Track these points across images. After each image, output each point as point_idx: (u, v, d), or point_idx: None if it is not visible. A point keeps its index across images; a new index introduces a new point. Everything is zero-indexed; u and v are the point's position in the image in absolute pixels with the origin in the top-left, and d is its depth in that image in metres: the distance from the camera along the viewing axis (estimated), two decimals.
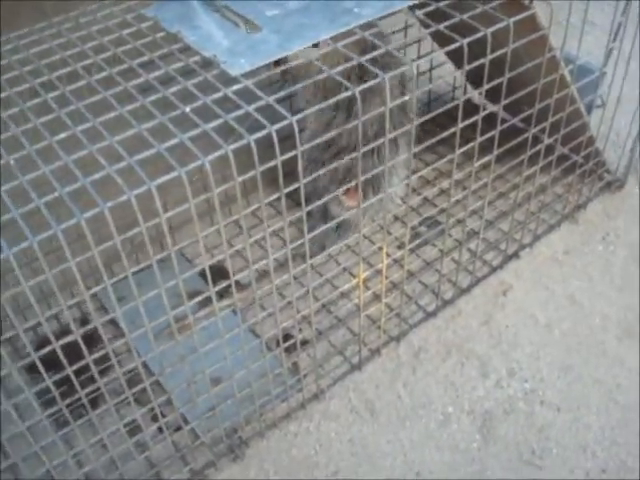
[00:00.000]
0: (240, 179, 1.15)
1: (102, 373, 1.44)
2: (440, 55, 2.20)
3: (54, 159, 1.10)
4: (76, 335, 1.17)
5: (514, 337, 1.81)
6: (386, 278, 1.67)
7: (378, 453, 1.60)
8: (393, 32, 2.11)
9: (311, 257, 1.39)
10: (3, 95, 1.26)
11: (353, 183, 1.48)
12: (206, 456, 1.58)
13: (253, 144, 1.11)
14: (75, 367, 1.22)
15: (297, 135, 1.16)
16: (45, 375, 1.20)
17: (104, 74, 1.29)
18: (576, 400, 1.68)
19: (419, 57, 2.21)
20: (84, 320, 1.85)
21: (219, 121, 1.15)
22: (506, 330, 1.83)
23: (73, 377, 1.22)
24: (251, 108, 1.16)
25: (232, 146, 1.10)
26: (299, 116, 1.17)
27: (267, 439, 1.63)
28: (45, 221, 1.01)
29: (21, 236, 1.00)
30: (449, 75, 2.42)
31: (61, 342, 1.16)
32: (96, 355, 1.24)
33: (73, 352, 1.20)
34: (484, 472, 1.56)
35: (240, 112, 1.16)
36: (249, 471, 1.58)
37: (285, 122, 1.14)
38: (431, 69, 2.32)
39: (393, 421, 1.65)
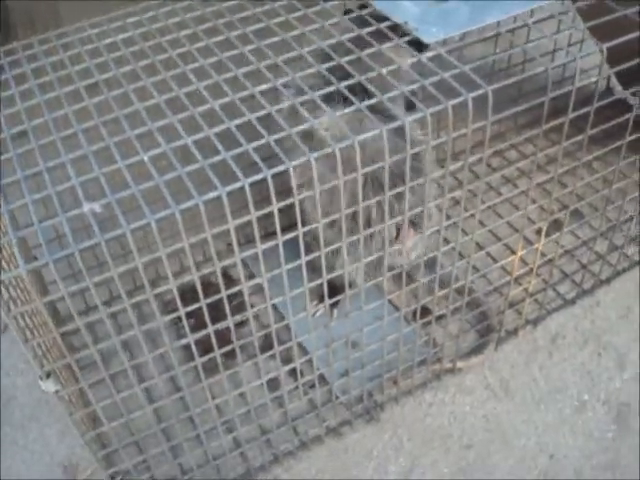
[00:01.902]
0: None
1: (241, 325, 1.50)
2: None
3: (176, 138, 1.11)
4: (223, 294, 1.19)
5: None
6: (536, 261, 1.67)
7: (512, 431, 1.61)
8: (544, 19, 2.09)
9: None
10: (106, 76, 1.25)
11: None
12: (343, 415, 1.62)
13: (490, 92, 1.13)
14: (219, 326, 1.25)
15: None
16: (188, 331, 1.22)
17: (296, 32, 1.32)
18: None
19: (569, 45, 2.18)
20: (225, 273, 1.90)
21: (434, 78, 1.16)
22: None
23: (213, 335, 1.25)
24: (447, 75, 1.18)
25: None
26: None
27: (402, 406, 1.66)
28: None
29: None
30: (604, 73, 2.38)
31: (208, 301, 1.19)
32: (239, 318, 1.28)
33: (213, 306, 1.21)
34: (618, 461, 1.56)
35: (436, 78, 1.18)
36: (383, 434, 1.61)
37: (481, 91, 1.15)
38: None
39: (528, 402, 1.66)
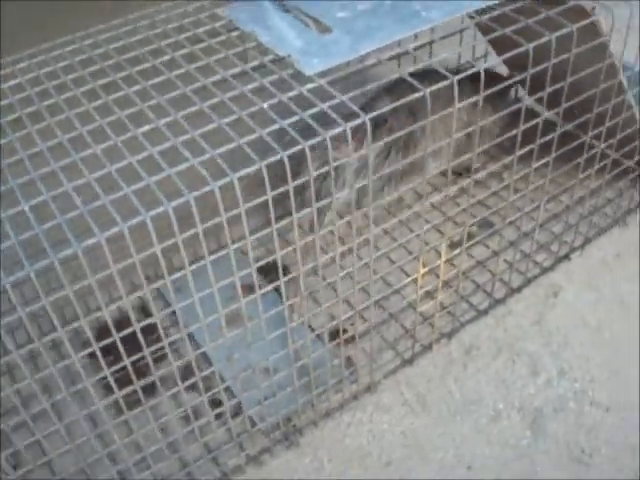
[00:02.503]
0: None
1: (160, 359, 1.50)
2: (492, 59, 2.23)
3: (140, 149, 1.16)
4: (136, 327, 1.21)
5: (564, 337, 1.84)
6: (442, 276, 1.71)
7: (429, 446, 1.64)
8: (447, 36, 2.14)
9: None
10: (88, 87, 1.32)
11: None
12: (262, 443, 1.63)
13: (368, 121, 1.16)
14: (135, 358, 1.27)
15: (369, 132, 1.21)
16: (105, 367, 1.23)
17: (182, 70, 1.35)
18: (625, 401, 1.70)
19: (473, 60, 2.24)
20: (144, 307, 1.91)
21: (294, 118, 1.20)
22: (556, 330, 1.86)
23: (130, 368, 1.26)
24: (326, 106, 1.21)
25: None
26: (371, 115, 1.21)
27: (321, 428, 1.67)
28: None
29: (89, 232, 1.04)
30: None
31: (120, 335, 1.21)
32: (154, 347, 1.29)
33: (132, 339, 1.23)
34: (534, 468, 1.60)
35: (315, 110, 1.21)
36: (304, 458, 1.63)
37: (359, 120, 1.18)
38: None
39: (444, 415, 1.69)
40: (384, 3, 1.48)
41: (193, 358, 1.33)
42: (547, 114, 1.62)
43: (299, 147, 1.14)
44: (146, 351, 1.27)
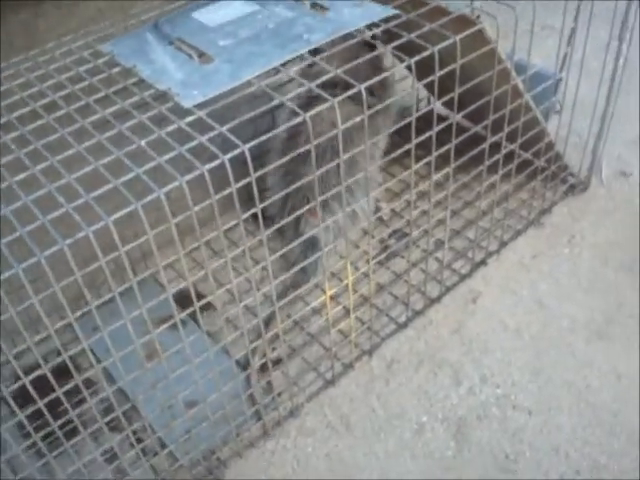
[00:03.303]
0: (198, 208, 1.18)
1: (81, 402, 1.47)
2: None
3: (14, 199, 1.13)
4: (44, 369, 1.19)
5: (485, 344, 1.85)
6: (355, 292, 1.70)
7: (355, 467, 1.63)
8: None
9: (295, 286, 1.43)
10: None
11: (313, 204, 1.51)
12: (186, 479, 1.61)
13: (227, 162, 1.16)
14: (47, 400, 1.25)
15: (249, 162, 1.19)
16: (18, 410, 1.22)
17: (62, 112, 1.32)
18: (547, 402, 1.71)
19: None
20: (59, 351, 1.87)
21: (174, 153, 1.18)
22: (477, 337, 1.86)
23: (45, 410, 1.25)
24: (204, 139, 1.20)
25: (207, 166, 1.15)
26: (252, 143, 1.20)
27: (245, 459, 1.65)
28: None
29: None
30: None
31: (30, 377, 1.19)
32: (66, 387, 1.26)
33: (50, 382, 1.23)
34: (460, 479, 1.59)
35: (194, 143, 1.20)
36: None
37: (238, 150, 1.17)
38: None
39: (368, 434, 1.68)
40: (267, 29, 1.47)
41: (109, 393, 1.31)
42: (451, 120, 1.63)
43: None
44: (59, 391, 1.25)
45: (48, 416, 1.27)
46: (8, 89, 1.42)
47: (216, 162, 1.16)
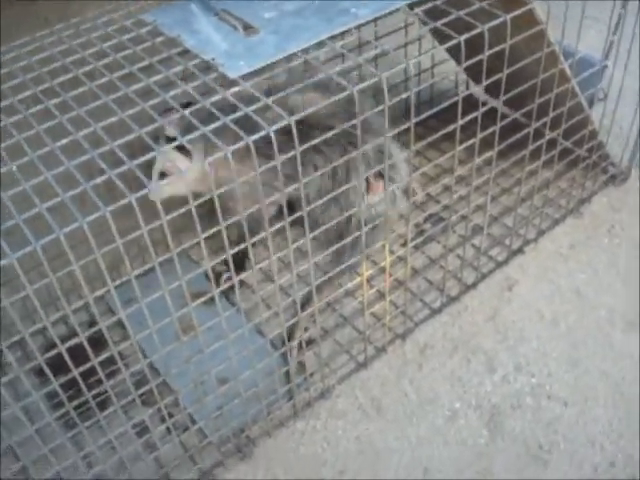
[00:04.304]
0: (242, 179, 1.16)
1: (111, 375, 1.47)
2: (442, 52, 2.20)
3: (56, 165, 1.12)
4: (82, 338, 1.18)
5: (520, 332, 1.82)
6: (390, 276, 1.68)
7: (385, 450, 1.61)
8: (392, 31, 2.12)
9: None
10: (5, 104, 1.28)
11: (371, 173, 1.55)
12: (214, 456, 1.60)
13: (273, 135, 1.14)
14: (81, 370, 1.24)
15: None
16: (52, 378, 1.21)
17: (105, 79, 1.31)
18: (583, 394, 1.68)
19: (419, 54, 2.21)
20: (92, 323, 1.87)
21: (219, 123, 1.17)
22: (512, 325, 1.83)
23: (80, 380, 1.24)
24: (250, 110, 1.18)
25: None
26: (297, 117, 1.18)
27: (274, 438, 1.64)
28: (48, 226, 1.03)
29: (26, 241, 1.01)
30: (452, 72, 2.42)
31: (66, 346, 1.18)
32: (102, 357, 1.25)
33: (82, 355, 1.22)
34: (492, 467, 1.57)
35: (239, 114, 1.18)
36: (257, 470, 1.59)
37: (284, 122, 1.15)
38: (433, 66, 2.32)
39: (400, 418, 1.66)
40: (313, 2, 1.45)
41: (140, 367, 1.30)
42: (491, 104, 1.59)
43: None
44: (94, 361, 1.24)
45: (83, 386, 1.26)
46: (50, 56, 1.41)
47: (262, 132, 1.14)
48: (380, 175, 1.66)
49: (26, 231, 1.03)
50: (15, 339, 1.19)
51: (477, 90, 2.17)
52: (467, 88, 2.44)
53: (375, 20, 1.51)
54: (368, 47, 1.97)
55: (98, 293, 1.19)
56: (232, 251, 1.26)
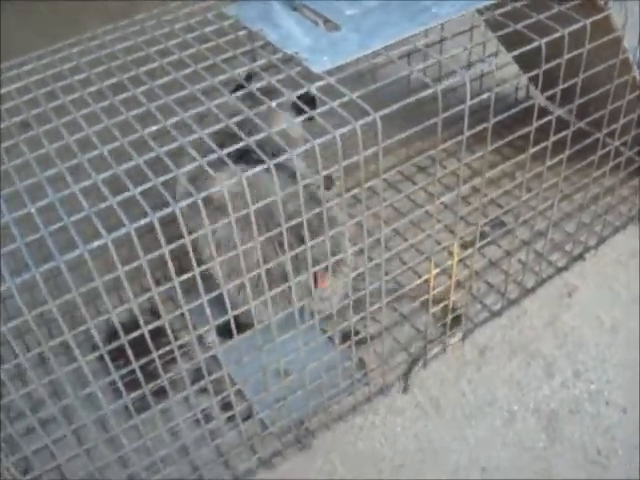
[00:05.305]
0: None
1: (171, 363, 1.49)
2: (505, 57, 2.21)
3: (147, 150, 1.14)
4: (144, 330, 1.20)
5: (579, 338, 1.81)
6: (454, 277, 1.68)
7: (443, 449, 1.62)
8: (458, 33, 2.12)
9: None
10: (95, 88, 1.31)
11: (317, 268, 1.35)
12: (274, 445, 1.61)
13: (378, 119, 1.15)
14: (145, 360, 1.26)
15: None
16: (113, 370, 1.23)
17: (189, 70, 1.33)
18: None
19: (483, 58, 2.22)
20: (154, 311, 1.89)
21: (305, 116, 1.19)
22: (571, 331, 1.83)
23: (138, 372, 1.26)
24: (335, 104, 1.19)
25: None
26: (382, 112, 1.19)
27: (333, 431, 1.65)
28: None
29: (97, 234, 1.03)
30: (512, 77, 2.42)
31: (129, 337, 1.20)
32: (163, 350, 1.27)
33: (144, 341, 1.23)
34: (550, 470, 1.57)
35: (325, 108, 1.19)
36: (316, 461, 1.61)
37: (370, 118, 1.17)
38: (496, 70, 2.32)
39: (458, 418, 1.67)
40: (393, 1, 1.46)
41: (202, 360, 1.31)
42: (559, 112, 1.59)
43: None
44: (155, 354, 1.25)
45: (141, 379, 1.28)
46: (134, 44, 1.44)
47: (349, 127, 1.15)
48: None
49: (97, 223, 1.04)
50: (82, 328, 1.20)
51: (539, 97, 2.19)
52: (527, 93, 2.44)
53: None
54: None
55: (162, 288, 1.19)
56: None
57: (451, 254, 1.69)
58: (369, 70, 1.63)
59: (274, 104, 1.22)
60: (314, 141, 1.12)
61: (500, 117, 1.51)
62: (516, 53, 1.43)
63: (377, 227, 1.37)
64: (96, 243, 1.02)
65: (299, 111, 1.36)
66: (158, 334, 1.24)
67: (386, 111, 1.19)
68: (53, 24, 2.72)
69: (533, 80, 2.27)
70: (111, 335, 1.21)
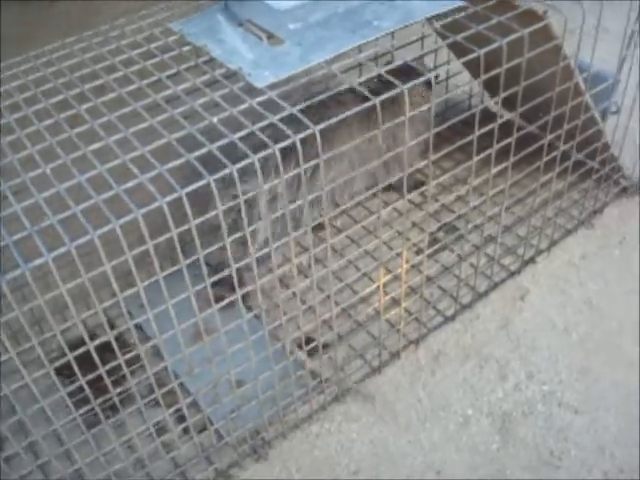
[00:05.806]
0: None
1: (124, 377, 1.49)
2: (457, 65, 2.24)
3: (89, 167, 1.15)
4: (110, 336, 1.21)
5: (532, 341, 1.84)
6: (405, 283, 1.71)
7: (398, 453, 1.64)
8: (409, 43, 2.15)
9: None
10: (37, 107, 1.32)
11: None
12: (230, 456, 1.62)
13: (317, 132, 1.16)
14: (107, 367, 1.27)
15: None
16: (80, 375, 1.24)
17: (134, 86, 1.35)
18: (594, 402, 1.71)
19: (435, 67, 2.25)
20: (111, 325, 1.90)
21: (246, 131, 1.20)
22: (524, 334, 1.86)
23: (106, 378, 1.27)
24: (275, 119, 1.21)
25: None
26: (321, 126, 1.21)
27: (289, 440, 1.67)
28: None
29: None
30: (465, 83, 2.45)
31: (94, 343, 1.21)
32: (111, 365, 1.29)
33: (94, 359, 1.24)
34: (503, 472, 1.60)
35: (265, 123, 1.21)
36: (272, 470, 1.62)
37: (309, 131, 1.19)
38: (447, 78, 2.35)
39: (413, 423, 1.69)
40: (336, 14, 1.48)
41: (151, 375, 1.32)
42: (506, 118, 1.63)
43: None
44: (102, 370, 1.26)
45: (109, 384, 1.29)
46: (80, 62, 1.45)
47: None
48: None
49: (61, 232, 1.06)
50: (26, 347, 1.21)
51: (492, 103, 2.23)
52: (482, 100, 2.48)
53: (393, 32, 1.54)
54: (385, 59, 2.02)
55: (124, 294, 1.22)
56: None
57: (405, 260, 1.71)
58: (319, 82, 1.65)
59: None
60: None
61: (449, 123, 1.55)
62: (463, 61, 1.46)
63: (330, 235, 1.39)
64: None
65: None
66: (111, 349, 1.25)
67: (323, 125, 1.21)
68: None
69: (485, 86, 2.34)
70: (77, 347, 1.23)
